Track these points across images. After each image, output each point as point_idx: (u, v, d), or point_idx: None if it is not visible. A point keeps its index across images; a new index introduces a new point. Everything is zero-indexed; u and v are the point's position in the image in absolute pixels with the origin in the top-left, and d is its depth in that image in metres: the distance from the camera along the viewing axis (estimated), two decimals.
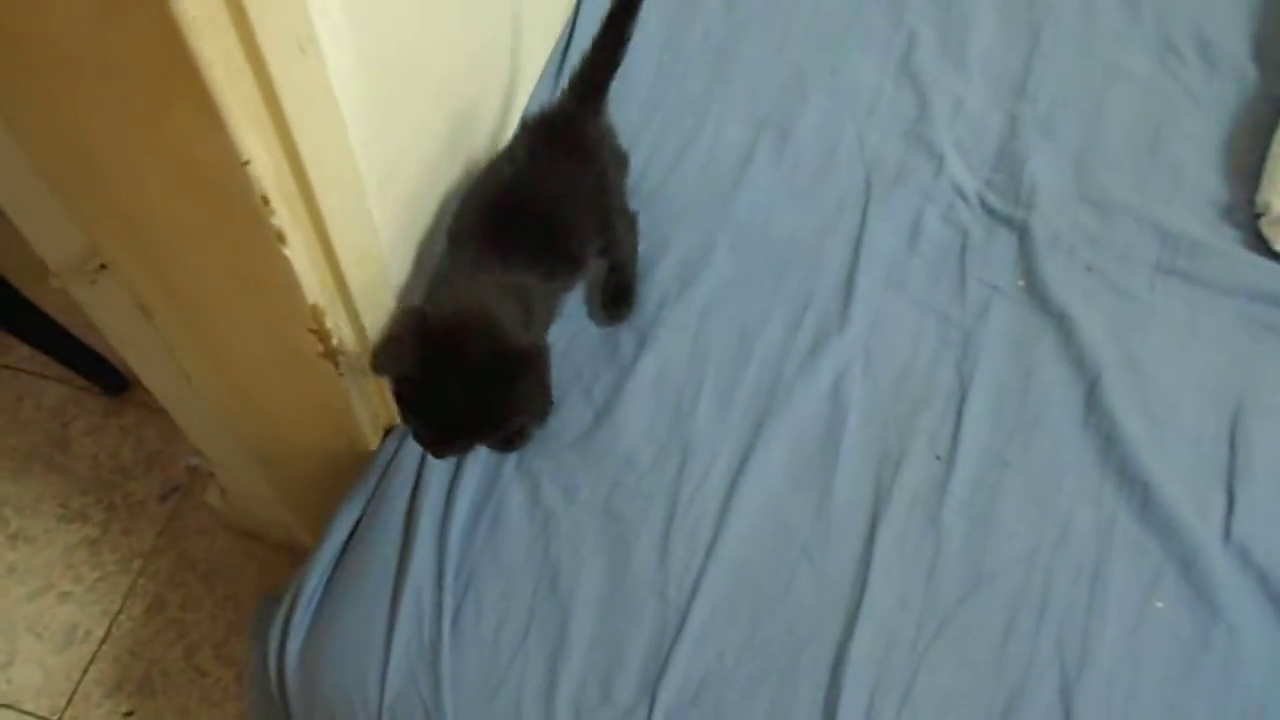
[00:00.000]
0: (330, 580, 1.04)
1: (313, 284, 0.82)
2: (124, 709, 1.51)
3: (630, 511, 1.04)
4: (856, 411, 1.09)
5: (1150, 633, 0.99)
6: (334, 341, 0.89)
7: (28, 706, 1.50)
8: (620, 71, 1.25)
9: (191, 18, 0.61)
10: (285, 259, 0.78)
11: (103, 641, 1.55)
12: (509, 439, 1.06)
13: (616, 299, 1.15)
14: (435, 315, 0.93)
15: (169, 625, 1.56)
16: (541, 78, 1.32)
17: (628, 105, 1.27)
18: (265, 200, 0.72)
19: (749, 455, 1.07)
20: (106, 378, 1.71)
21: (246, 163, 0.69)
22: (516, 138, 1.10)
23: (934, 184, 1.23)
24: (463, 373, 0.91)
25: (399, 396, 0.95)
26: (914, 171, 1.24)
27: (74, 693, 1.51)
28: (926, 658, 0.98)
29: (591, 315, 1.16)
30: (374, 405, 1.05)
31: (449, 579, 1.00)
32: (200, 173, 0.71)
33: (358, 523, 1.06)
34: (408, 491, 1.05)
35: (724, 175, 1.23)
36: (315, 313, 0.85)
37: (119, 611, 1.57)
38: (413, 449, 1.06)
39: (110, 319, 1.08)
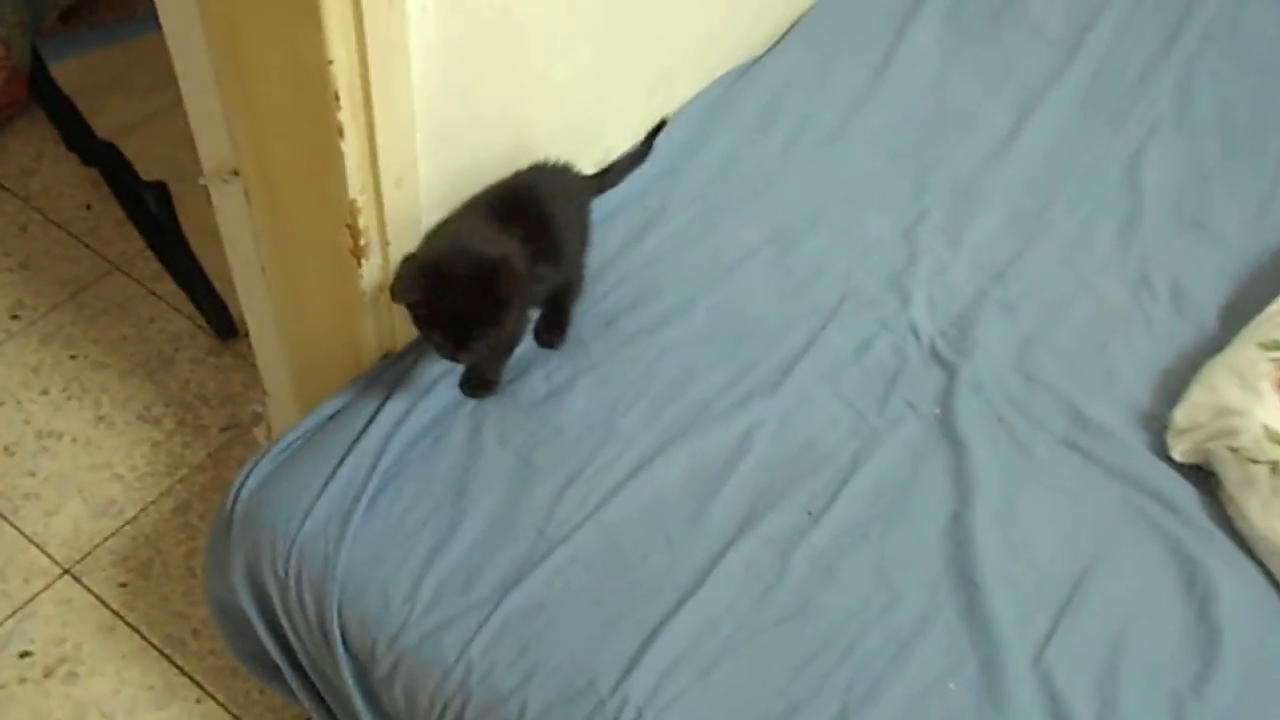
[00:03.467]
0: (300, 447, 1.29)
1: (356, 182, 1.11)
2: (121, 580, 1.75)
3: (543, 465, 1.26)
4: (755, 458, 1.29)
5: (934, 704, 1.11)
6: (362, 242, 1.17)
7: (50, 550, 1.76)
8: (676, 172, 1.56)
9: None
10: (341, 152, 1.08)
11: (129, 522, 1.81)
12: (482, 382, 1.31)
13: (551, 330, 1.39)
14: (426, 255, 1.19)
15: (184, 528, 1.81)
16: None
17: (676, 195, 1.56)
18: (336, 96, 1.03)
19: (654, 458, 1.27)
20: (223, 324, 2.05)
21: (330, 62, 1.00)
22: (521, 171, 1.36)
23: (895, 319, 1.44)
24: (458, 286, 1.16)
25: (416, 318, 1.20)
26: (882, 305, 1.46)
27: (89, 553, 1.77)
28: (732, 652, 1.13)
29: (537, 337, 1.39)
30: (381, 325, 1.32)
31: (383, 465, 1.24)
32: (301, 68, 1.03)
33: (339, 411, 1.32)
34: (381, 398, 1.30)
35: (726, 260, 1.49)
36: (353, 209, 1.14)
37: (151, 503, 1.84)
38: (398, 369, 1.32)
39: (226, 222, 1.40)
